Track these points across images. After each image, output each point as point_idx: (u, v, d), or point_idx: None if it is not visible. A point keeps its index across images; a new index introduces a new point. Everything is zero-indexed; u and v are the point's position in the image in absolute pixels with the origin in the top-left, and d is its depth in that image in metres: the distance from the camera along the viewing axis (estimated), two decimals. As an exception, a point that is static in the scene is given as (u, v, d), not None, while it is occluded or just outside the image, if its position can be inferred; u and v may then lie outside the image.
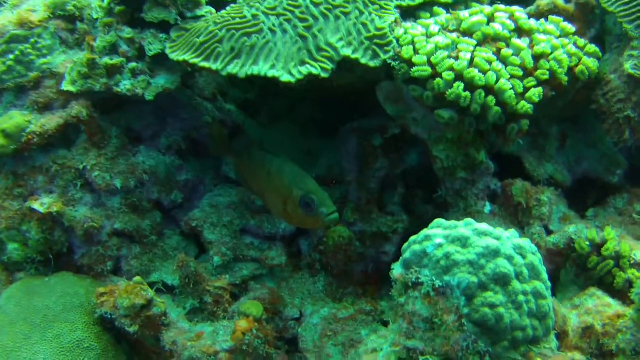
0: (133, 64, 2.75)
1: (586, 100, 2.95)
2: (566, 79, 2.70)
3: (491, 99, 2.53)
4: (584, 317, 2.51)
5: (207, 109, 3.14)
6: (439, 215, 3.11)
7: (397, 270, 2.27)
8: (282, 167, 2.75)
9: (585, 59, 2.80)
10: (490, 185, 2.81)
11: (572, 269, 2.75)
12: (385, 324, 2.91)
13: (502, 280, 2.10)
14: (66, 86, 2.78)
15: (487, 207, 2.79)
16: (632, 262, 2.62)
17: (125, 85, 2.75)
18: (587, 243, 2.69)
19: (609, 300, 2.54)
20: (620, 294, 2.61)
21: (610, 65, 2.90)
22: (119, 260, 3.00)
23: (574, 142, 3.13)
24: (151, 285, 2.80)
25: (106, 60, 2.74)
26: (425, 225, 3.15)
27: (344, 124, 3.18)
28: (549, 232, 2.82)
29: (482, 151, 2.70)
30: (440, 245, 2.17)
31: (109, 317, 2.68)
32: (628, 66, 2.78)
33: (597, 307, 2.52)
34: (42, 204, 2.84)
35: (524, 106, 2.57)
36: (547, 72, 2.64)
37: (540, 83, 2.64)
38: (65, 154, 2.90)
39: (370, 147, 3.02)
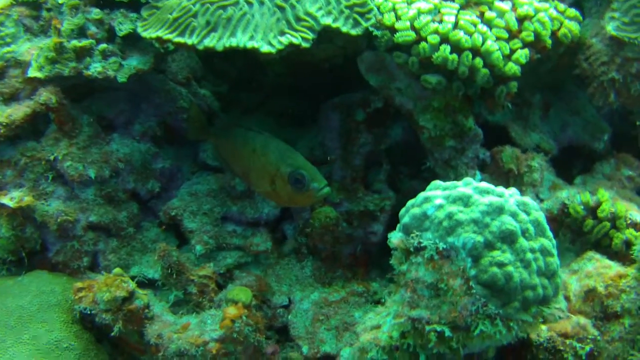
0: (103, 45, 2.57)
1: (568, 66, 2.87)
2: (550, 41, 2.61)
3: (479, 61, 2.41)
4: (585, 281, 2.39)
5: (181, 94, 2.96)
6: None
7: (395, 237, 2.12)
8: (267, 144, 2.58)
9: (566, 22, 2.71)
10: (479, 154, 2.69)
11: (567, 235, 2.64)
12: (379, 304, 2.76)
13: (508, 238, 1.96)
14: (33, 72, 2.58)
15: (478, 176, 2.66)
16: (628, 222, 2.51)
17: (95, 67, 2.56)
18: (582, 207, 2.57)
19: (608, 262, 2.42)
20: (618, 256, 2.52)
21: (590, 29, 2.82)
22: (95, 255, 2.78)
23: (557, 110, 3.03)
24: (131, 279, 2.60)
25: (74, 43, 2.55)
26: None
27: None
28: (540, 200, 2.71)
29: (470, 117, 2.57)
30: (441, 206, 2.03)
31: (89, 313, 2.47)
32: (610, 28, 2.69)
33: (597, 270, 2.41)
34: (11, 199, 2.61)
35: (512, 68, 2.46)
36: (532, 34, 2.54)
37: (525, 45, 2.53)
38: (34, 145, 2.68)
39: (353, 122, 2.88)
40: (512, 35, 2.53)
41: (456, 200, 2.03)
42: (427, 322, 2.00)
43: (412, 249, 2.03)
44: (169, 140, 2.98)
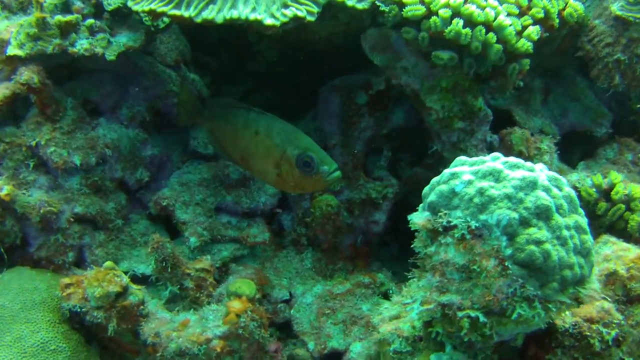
0: (90, 21, 2.33)
1: (570, 49, 2.75)
2: (557, 20, 2.48)
3: (492, 36, 2.25)
4: (604, 265, 2.24)
5: (170, 77, 2.72)
6: (430, 178, 2.85)
7: (419, 218, 1.93)
8: (272, 125, 2.35)
9: (571, 2, 2.58)
10: (487, 137, 2.53)
11: (578, 219, 2.50)
12: (387, 296, 2.57)
13: (544, 214, 1.79)
14: (12, 50, 2.31)
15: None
16: (643, 204, 2.40)
17: (82, 44, 2.31)
18: (594, 189, 2.44)
19: (625, 244, 2.29)
20: (632, 238, 2.39)
21: (592, 11, 2.71)
22: (81, 250, 2.52)
23: (557, 96, 2.90)
24: (123, 273, 2.36)
25: (59, 17, 2.30)
26: (418, 188, 2.88)
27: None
28: (549, 184, 2.57)
29: (479, 97, 2.41)
30: (470, 182, 1.85)
31: (78, 311, 2.22)
32: (615, 8, 2.58)
33: (615, 253, 2.26)
34: (-12, 188, 2.35)
35: (524, 44, 2.31)
36: (542, 11, 2.40)
37: (535, 22, 2.40)
38: (13, 130, 2.41)
39: (354, 106, 2.69)
40: (522, 11, 2.38)
41: (486, 176, 1.85)
42: (459, 308, 1.81)
43: (440, 229, 1.85)
44: (158, 127, 2.74)
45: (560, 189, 1.90)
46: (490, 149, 2.56)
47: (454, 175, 1.91)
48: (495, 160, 1.93)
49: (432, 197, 1.90)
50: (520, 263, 1.76)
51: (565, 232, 1.82)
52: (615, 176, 2.44)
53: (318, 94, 2.76)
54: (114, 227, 2.57)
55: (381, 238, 2.86)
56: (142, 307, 2.30)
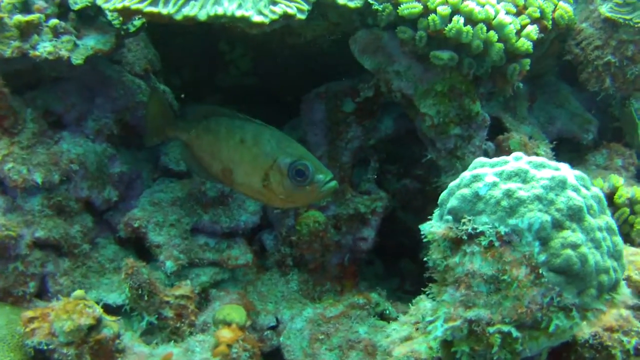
0: (54, 21, 2.04)
1: (557, 53, 2.64)
2: (551, 21, 2.36)
3: (493, 34, 2.09)
4: (616, 271, 2.10)
5: (140, 87, 2.44)
6: (421, 189, 2.66)
7: (436, 227, 1.73)
8: (260, 133, 2.09)
9: (561, 3, 2.46)
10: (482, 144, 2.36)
11: (580, 225, 2.35)
12: (383, 317, 2.34)
13: (577, 216, 1.61)
14: (-37, 54, 2.02)
15: (487, 169, 2.32)
16: (648, 206, 2.27)
17: (45, 47, 2.03)
18: (595, 195, 2.30)
19: (634, 249, 2.14)
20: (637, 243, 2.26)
21: (579, 15, 2.61)
22: (43, 279, 2.20)
23: (541, 103, 2.78)
24: (93, 304, 2.05)
25: (18, 17, 2.01)
26: (407, 201, 2.69)
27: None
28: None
29: (477, 101, 2.24)
30: (494, 184, 1.66)
31: (44, 348, 1.91)
32: (604, 9, 2.48)
33: (626, 258, 2.12)
34: None
35: (524, 44, 2.16)
36: (538, 10, 2.27)
37: (532, 21, 2.26)
38: (-37, 146, 2.10)
39: (340, 114, 2.47)
40: (518, 10, 2.24)
41: (512, 177, 1.67)
42: (488, 323, 1.61)
43: (464, 237, 1.64)
44: (126, 142, 2.45)
45: (588, 189, 1.73)
46: (485, 156, 2.39)
47: (476, 178, 1.71)
48: (518, 160, 1.76)
49: (453, 203, 1.70)
50: (556, 269, 1.58)
51: (598, 234, 1.65)
52: (617, 180, 2.31)
53: (301, 102, 2.52)
54: (80, 253, 2.26)
55: (370, 255, 2.64)
56: (117, 341, 2.00)
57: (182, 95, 2.75)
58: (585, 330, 1.81)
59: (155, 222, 2.34)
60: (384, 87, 2.36)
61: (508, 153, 2.35)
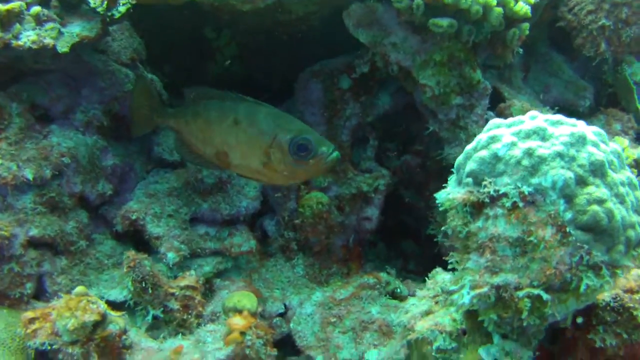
0: (36, 8, 1.92)
1: (549, 21, 2.59)
2: (544, -15, 2.32)
3: (491, -1, 2.04)
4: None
5: (127, 76, 2.33)
6: (422, 165, 2.59)
7: (454, 192, 1.66)
8: (255, 111, 2.00)
9: (551, -32, 2.43)
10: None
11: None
12: (395, 295, 2.26)
13: (599, 171, 1.55)
14: (-59, 47, 1.90)
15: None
16: (654, 167, 2.22)
17: (28, 36, 1.90)
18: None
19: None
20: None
21: (569, -20, 2.56)
22: (40, 279, 2.08)
23: (535, 73, 2.73)
24: (94, 301, 1.94)
25: (-3, 6, 1.91)
26: (409, 178, 2.61)
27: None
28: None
29: (478, 69, 2.17)
30: (513, 144, 1.59)
31: (47, 349, 1.80)
32: (595, -28, 2.44)
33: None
34: None
35: (522, 8, 2.10)
36: (532, -27, 2.22)
37: (527, -15, 2.20)
38: (-53, 144, 1.98)
39: (337, 91, 2.39)
40: (513, -26, 2.19)
41: (530, 135, 1.60)
42: (517, 287, 1.54)
43: (486, 200, 1.57)
44: (116, 133, 2.33)
45: (607, 144, 1.67)
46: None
47: (493, 139, 1.64)
48: (534, 119, 1.69)
49: (471, 166, 1.62)
50: (583, 227, 1.51)
51: (621, 189, 1.59)
52: (622, 141, 2.27)
53: (296, 81, 2.43)
54: (77, 250, 2.14)
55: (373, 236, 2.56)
56: (124, 336, 1.90)
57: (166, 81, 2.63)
58: (605, 293, 1.77)
59: (153, 214, 2.23)
60: (380, 62, 2.29)
61: (511, 121, 2.30)
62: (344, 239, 2.43)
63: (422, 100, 2.22)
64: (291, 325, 2.19)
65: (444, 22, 2.04)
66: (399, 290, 2.25)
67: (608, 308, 1.73)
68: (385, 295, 2.23)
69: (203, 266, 2.26)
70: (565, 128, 1.60)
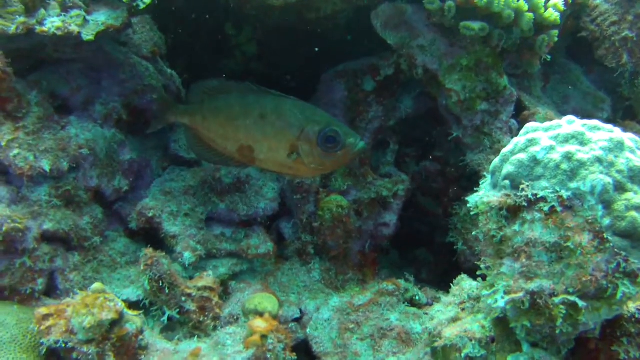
0: (62, -6, 1.89)
1: (571, 31, 2.58)
2: (570, -5, 2.30)
3: (523, 4, 2.02)
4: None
5: (148, 70, 2.28)
6: (441, 171, 2.55)
7: (490, 196, 1.62)
8: (280, 105, 1.98)
9: (576, -22, 2.42)
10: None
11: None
12: (413, 303, 2.22)
13: (637, 177, 1.53)
14: (-38, 32, 1.84)
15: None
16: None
17: (53, 22, 1.86)
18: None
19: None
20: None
21: (592, -9, 2.55)
22: (52, 275, 2.02)
23: (554, 83, 2.72)
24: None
25: (22, -9, 1.85)
26: (428, 185, 2.57)
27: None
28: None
29: (504, 75, 2.15)
30: (552, 148, 1.57)
31: (62, 347, 1.73)
32: (620, -16, 2.43)
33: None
34: None
35: (552, 15, 2.09)
36: (560, -18, 2.21)
37: (555, -7, 2.19)
38: (-37, 132, 1.91)
39: (361, 93, 2.36)
40: (542, -19, 2.18)
41: (568, 139, 1.58)
42: (552, 294, 1.51)
43: (524, 204, 1.54)
44: (133, 128, 2.28)
45: (641, 150, 1.66)
46: (509, 133, 2.30)
47: (531, 142, 1.61)
48: (572, 123, 1.66)
49: (509, 169, 1.59)
50: (621, 233, 1.49)
51: (658, 197, 1.57)
52: None
53: (319, 82, 2.40)
54: (91, 247, 2.09)
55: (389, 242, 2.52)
56: (140, 337, 1.84)
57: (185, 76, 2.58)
58: (630, 305, 1.73)
59: (169, 212, 2.18)
60: (404, 65, 2.26)
61: (535, 129, 2.27)
62: (361, 245, 2.39)
63: (447, 105, 2.20)
64: (308, 330, 2.14)
65: (476, 25, 2.01)
66: (417, 297, 2.20)
67: (633, 320, 1.70)
68: (404, 303, 2.18)
69: (218, 267, 2.21)
70: (603, 133, 1.58)
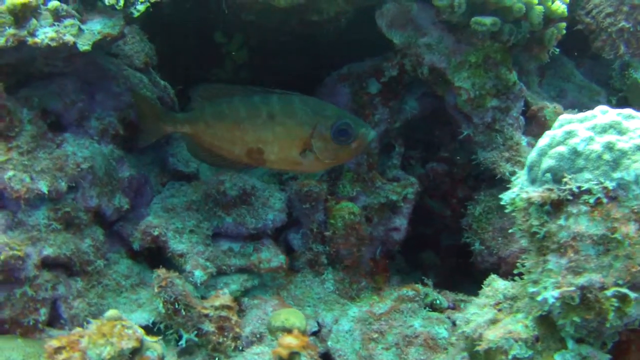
0: (55, 2, 1.76)
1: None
2: (564, -12, 2.28)
3: (532, -4, 1.98)
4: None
5: (142, 81, 2.17)
6: (449, 172, 2.49)
7: (530, 191, 1.56)
8: (288, 103, 1.95)
9: (570, -31, 2.40)
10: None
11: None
12: (434, 307, 2.14)
13: (678, 164, 1.50)
14: (-52, 46, 1.69)
15: (524, 139, 2.19)
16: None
17: (46, 33, 1.73)
18: None
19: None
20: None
21: (584, -16, 2.55)
22: (55, 303, 1.88)
23: (549, 78, 2.72)
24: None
25: (12, 0, 1.71)
26: (436, 186, 2.51)
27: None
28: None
29: (514, 71, 2.12)
30: (591, 139, 1.52)
31: (79, 381, 1.60)
32: (613, -26, 2.43)
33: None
34: None
35: (559, 7, 2.07)
36: (558, -25, 2.19)
37: (554, -13, 2.17)
38: (-49, 154, 1.76)
39: (366, 96, 2.30)
40: (545, -26, 2.15)
41: (606, 129, 1.54)
42: (602, 287, 1.46)
43: (568, 198, 1.49)
44: (129, 143, 2.15)
45: (677, 139, 1.63)
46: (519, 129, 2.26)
47: (569, 134, 1.56)
48: (606, 113, 1.62)
49: (549, 163, 1.54)
50: (668, 222, 1.45)
51: (699, 183, 1.54)
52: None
53: (322, 85, 2.33)
54: (94, 271, 1.95)
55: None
56: (161, 364, 1.71)
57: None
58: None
59: (174, 229, 2.07)
60: (408, 65, 2.21)
61: (545, 123, 2.25)
62: (372, 251, 2.32)
63: (457, 103, 2.15)
64: (329, 343, 2.05)
65: (487, 20, 1.97)
66: (438, 301, 2.14)
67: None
68: (425, 308, 2.11)
69: (229, 284, 2.10)
70: (638, 121, 1.54)
